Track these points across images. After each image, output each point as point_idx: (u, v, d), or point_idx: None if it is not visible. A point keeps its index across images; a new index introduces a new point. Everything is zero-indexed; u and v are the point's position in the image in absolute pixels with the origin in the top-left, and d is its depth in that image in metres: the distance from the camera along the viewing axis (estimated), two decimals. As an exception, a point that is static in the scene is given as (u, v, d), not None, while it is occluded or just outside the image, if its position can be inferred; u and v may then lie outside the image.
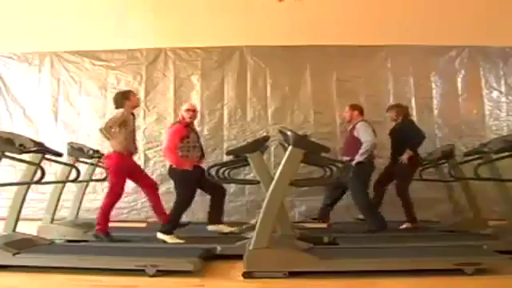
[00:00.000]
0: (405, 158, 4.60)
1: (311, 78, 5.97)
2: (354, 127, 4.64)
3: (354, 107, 4.78)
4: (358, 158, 4.39)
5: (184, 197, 4.03)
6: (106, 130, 3.95)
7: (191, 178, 4.02)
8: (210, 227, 4.24)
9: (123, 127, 4.07)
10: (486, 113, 5.89)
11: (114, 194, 4.07)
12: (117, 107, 4.20)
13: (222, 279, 3.03)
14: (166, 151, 4.12)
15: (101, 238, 3.98)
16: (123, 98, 4.22)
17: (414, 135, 4.72)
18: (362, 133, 4.50)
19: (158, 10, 5.97)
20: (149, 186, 4.30)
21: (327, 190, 4.90)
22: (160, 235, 3.92)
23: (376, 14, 5.82)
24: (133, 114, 4.25)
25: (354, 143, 4.53)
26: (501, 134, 5.35)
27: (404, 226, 4.65)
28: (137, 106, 4.40)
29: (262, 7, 5.84)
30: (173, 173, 4.11)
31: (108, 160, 4.16)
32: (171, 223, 3.99)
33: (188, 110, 4.22)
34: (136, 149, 4.37)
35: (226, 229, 4.22)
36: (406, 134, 4.71)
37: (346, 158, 4.50)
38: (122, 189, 4.12)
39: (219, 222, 4.25)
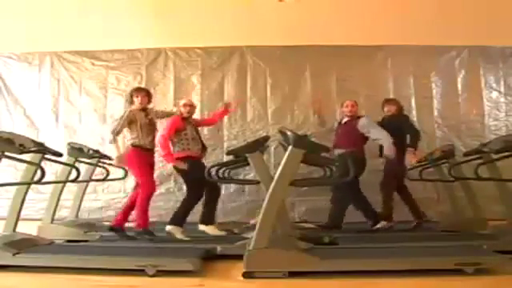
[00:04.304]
0: (413, 160, 4.48)
1: (311, 78, 5.96)
2: (356, 120, 4.54)
3: (356, 103, 4.72)
4: (391, 155, 4.26)
5: (192, 192, 4.12)
6: (113, 139, 4.01)
7: (195, 173, 4.06)
8: (201, 227, 4.25)
9: (133, 125, 4.10)
10: (485, 113, 5.90)
11: (145, 190, 4.05)
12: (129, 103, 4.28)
13: (222, 279, 3.03)
14: (160, 139, 4.12)
15: (142, 234, 3.97)
16: (131, 97, 4.27)
17: (411, 131, 4.59)
18: (375, 127, 4.44)
19: (158, 10, 5.96)
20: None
21: None
22: (169, 227, 3.97)
23: (376, 14, 5.82)
24: (145, 110, 4.23)
25: (354, 136, 4.47)
26: (500, 134, 5.36)
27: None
28: (144, 103, 4.23)
29: (262, 7, 5.84)
30: (177, 169, 4.18)
31: (126, 159, 4.14)
32: (180, 215, 4.04)
33: (185, 105, 4.32)
34: (153, 144, 4.26)
35: (213, 231, 4.20)
36: (402, 129, 4.57)
37: (339, 151, 4.46)
38: (152, 181, 4.13)
39: (211, 222, 4.26)
